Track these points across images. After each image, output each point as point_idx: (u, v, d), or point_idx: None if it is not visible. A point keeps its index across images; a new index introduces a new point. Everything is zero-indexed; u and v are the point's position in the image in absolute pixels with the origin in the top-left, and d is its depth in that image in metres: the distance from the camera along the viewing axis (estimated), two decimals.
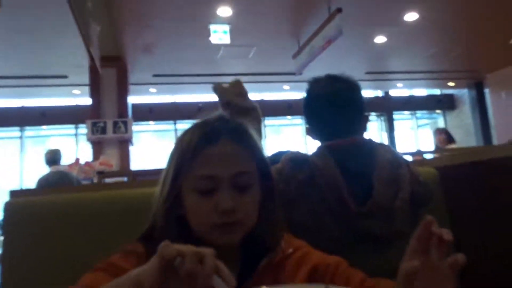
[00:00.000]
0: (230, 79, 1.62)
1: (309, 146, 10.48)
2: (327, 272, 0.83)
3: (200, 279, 0.58)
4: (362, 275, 0.82)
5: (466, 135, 11.07)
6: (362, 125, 1.29)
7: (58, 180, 3.63)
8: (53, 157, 3.92)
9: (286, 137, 11.04)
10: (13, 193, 1.10)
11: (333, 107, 1.26)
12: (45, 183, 3.69)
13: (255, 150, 0.85)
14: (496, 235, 1.34)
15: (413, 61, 8.59)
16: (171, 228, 0.81)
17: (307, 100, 1.32)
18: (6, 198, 1.09)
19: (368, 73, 8.91)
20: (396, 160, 1.23)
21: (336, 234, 1.11)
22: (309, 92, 1.33)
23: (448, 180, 1.50)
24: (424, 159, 1.63)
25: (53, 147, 4.06)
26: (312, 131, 1.32)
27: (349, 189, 1.14)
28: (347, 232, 1.12)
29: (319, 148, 1.25)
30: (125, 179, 3.17)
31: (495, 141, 9.97)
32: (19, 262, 1.02)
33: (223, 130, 0.83)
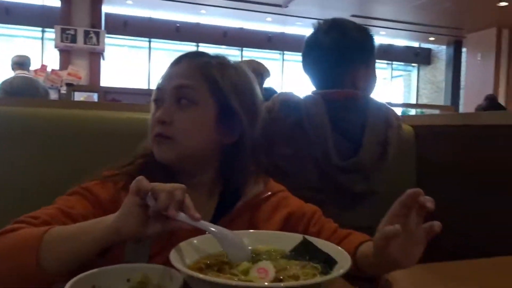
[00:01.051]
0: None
1: (285, 82, 10.42)
2: (302, 219, 0.86)
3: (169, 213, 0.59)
4: (335, 225, 0.85)
5: (435, 91, 11.32)
6: (363, 79, 1.23)
7: (23, 86, 3.40)
8: (20, 61, 3.63)
9: None
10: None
11: (340, 57, 1.20)
12: (8, 88, 3.46)
13: (213, 76, 0.82)
14: (460, 197, 1.41)
15: (400, 9, 8.45)
16: (143, 146, 0.85)
17: (311, 42, 1.25)
18: None
19: (353, 16, 8.70)
20: (388, 121, 1.21)
21: (316, 183, 1.13)
22: (316, 33, 1.24)
23: (422, 139, 1.55)
24: (401, 116, 1.66)
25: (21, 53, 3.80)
26: (310, 74, 1.27)
27: (336, 142, 1.13)
28: (326, 183, 1.14)
29: (313, 94, 1.21)
30: (95, 95, 3.06)
31: (462, 101, 10.25)
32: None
33: (188, 55, 0.86)
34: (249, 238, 0.71)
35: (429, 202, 0.60)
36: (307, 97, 1.20)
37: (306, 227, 0.85)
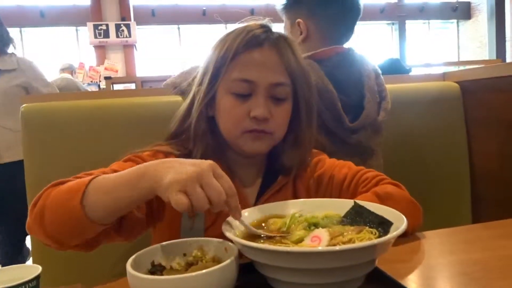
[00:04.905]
0: None
1: None
2: (334, 180, 0.87)
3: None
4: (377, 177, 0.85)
5: (478, 47, 10.70)
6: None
7: (66, 86, 3.66)
8: (64, 67, 4.13)
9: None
10: (27, 99, 1.09)
11: (356, 19, 1.19)
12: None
13: (296, 63, 0.83)
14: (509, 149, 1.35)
15: None
16: (203, 129, 0.82)
17: None
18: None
19: None
20: (375, 69, 1.20)
21: (330, 148, 1.10)
22: None
23: (468, 95, 1.47)
24: (445, 73, 1.58)
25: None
26: (317, 28, 1.20)
27: (342, 103, 1.10)
28: (340, 146, 1.11)
29: (304, 58, 1.18)
30: (132, 86, 3.14)
31: (509, 54, 9.65)
32: (41, 164, 1.04)
33: (267, 38, 0.81)
34: (300, 207, 0.72)
35: None
36: None
37: (341, 186, 0.85)
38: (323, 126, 1.10)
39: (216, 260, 0.60)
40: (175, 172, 0.56)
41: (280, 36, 0.84)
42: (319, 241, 0.60)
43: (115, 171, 0.69)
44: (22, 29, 8.06)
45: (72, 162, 1.05)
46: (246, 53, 0.79)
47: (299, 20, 1.20)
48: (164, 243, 0.62)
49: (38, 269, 0.50)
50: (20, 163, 1.05)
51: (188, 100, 0.86)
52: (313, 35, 1.20)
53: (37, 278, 0.49)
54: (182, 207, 0.54)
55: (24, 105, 1.07)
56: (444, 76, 1.55)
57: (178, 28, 9.41)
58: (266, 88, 0.79)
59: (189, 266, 0.59)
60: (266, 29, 0.83)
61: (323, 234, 0.61)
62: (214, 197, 0.55)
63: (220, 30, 1.01)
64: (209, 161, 0.58)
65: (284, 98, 0.82)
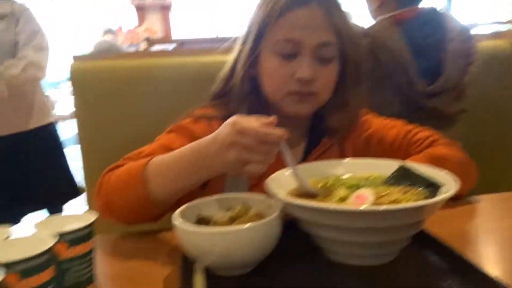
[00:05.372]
0: None
1: None
2: (384, 141, 0.84)
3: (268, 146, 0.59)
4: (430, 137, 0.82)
5: None
6: None
7: (108, 49, 3.76)
8: (105, 29, 4.19)
9: None
10: (76, 58, 1.11)
11: None
12: (95, 51, 3.81)
13: (344, 24, 0.78)
14: None
15: None
16: (246, 90, 0.80)
17: None
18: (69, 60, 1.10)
19: None
20: (466, 30, 1.12)
21: (399, 111, 1.07)
22: None
23: None
24: (499, 32, 1.48)
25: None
26: None
27: (418, 67, 1.06)
28: (412, 110, 1.07)
29: (381, 21, 1.13)
30: (171, 47, 3.15)
31: None
32: (92, 122, 1.07)
33: None
34: (345, 167, 0.71)
35: None
36: (376, 25, 1.13)
37: (390, 147, 0.83)
38: (396, 89, 1.07)
39: (259, 216, 0.60)
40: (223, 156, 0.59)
41: None
42: (363, 200, 0.60)
43: (164, 145, 0.74)
44: None
45: (122, 122, 1.07)
46: (292, 12, 0.75)
47: None
48: (209, 197, 0.64)
49: (92, 217, 0.53)
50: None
51: (231, 60, 0.84)
52: None
53: (91, 224, 0.52)
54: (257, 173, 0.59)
55: (72, 63, 1.09)
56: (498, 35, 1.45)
57: None
58: (312, 48, 0.75)
59: (232, 221, 0.60)
60: None
61: (367, 193, 0.61)
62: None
63: None
64: (228, 125, 0.59)
65: (331, 58, 0.78)
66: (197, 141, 0.64)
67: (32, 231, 0.49)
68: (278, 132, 0.58)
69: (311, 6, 0.76)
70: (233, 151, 0.58)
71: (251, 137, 0.57)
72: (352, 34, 0.81)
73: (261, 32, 0.78)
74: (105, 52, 3.72)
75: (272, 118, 0.59)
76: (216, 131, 0.61)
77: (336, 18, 0.77)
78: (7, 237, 0.49)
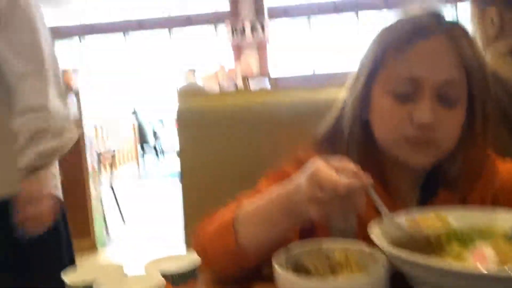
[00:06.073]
0: None
1: None
2: None
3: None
4: None
5: None
6: None
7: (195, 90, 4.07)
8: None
9: None
10: (181, 92, 1.17)
11: None
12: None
13: (473, 55, 0.67)
14: None
15: None
16: (356, 134, 0.72)
17: None
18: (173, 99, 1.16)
19: None
20: None
21: None
22: None
23: None
24: None
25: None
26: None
27: None
28: None
29: (497, 50, 1.01)
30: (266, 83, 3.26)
31: None
32: (194, 157, 1.11)
33: (437, 26, 0.68)
34: (456, 216, 0.63)
35: None
36: (489, 54, 1.01)
37: None
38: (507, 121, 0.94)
39: (361, 267, 0.56)
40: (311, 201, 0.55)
41: (454, 24, 0.69)
42: (484, 259, 0.53)
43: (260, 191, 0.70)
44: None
45: (224, 163, 1.07)
46: (411, 46, 0.66)
47: (491, 7, 1.03)
48: (307, 243, 0.61)
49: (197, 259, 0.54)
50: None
51: (341, 99, 0.76)
52: (509, 25, 1.01)
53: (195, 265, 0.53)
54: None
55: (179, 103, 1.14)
56: None
57: (308, 17, 9.12)
58: (434, 87, 0.65)
59: (332, 270, 0.57)
60: (436, 15, 0.69)
61: (486, 250, 0.54)
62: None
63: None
64: (307, 176, 0.55)
65: (457, 99, 0.67)
66: (284, 186, 0.61)
67: (142, 271, 0.51)
68: (362, 181, 0.53)
69: (436, 37, 0.67)
70: (313, 206, 0.54)
71: (330, 191, 0.53)
72: (483, 70, 0.69)
73: (374, 68, 0.70)
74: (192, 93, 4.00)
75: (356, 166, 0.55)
76: (299, 177, 0.58)
77: (465, 49, 0.67)
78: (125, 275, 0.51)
